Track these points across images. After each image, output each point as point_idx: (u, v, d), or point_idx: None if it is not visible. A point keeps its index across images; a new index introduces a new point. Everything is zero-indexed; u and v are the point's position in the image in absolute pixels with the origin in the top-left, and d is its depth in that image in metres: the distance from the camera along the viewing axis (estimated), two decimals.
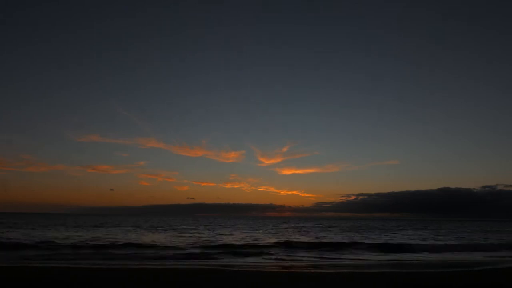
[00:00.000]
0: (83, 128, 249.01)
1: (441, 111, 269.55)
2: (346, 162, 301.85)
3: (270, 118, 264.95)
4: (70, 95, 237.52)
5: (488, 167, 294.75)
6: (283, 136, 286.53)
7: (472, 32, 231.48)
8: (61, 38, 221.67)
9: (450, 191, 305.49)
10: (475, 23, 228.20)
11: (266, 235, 38.40)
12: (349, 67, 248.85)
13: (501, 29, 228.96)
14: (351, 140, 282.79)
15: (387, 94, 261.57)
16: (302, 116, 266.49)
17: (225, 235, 37.20)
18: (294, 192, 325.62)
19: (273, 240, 30.28)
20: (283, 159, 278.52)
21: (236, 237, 33.79)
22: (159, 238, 31.97)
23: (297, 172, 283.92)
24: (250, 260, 18.46)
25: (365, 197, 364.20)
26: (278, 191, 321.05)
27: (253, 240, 30.93)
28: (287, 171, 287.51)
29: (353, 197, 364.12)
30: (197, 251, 22.35)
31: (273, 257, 19.94)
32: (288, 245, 25.96)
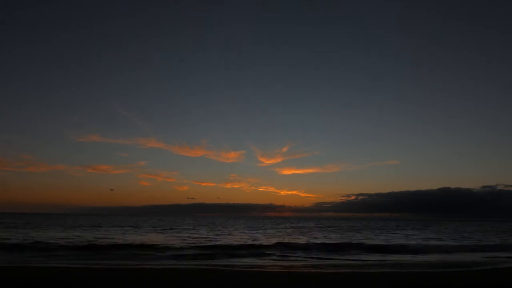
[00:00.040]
0: (83, 128, 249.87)
1: (441, 111, 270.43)
2: (346, 162, 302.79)
3: (270, 118, 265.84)
4: (70, 95, 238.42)
5: (488, 167, 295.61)
6: (283, 136, 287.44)
7: (472, 32, 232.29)
8: (61, 38, 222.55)
9: (450, 191, 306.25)
10: (475, 23, 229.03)
11: (266, 235, 38.39)
12: (349, 67, 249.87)
13: (501, 29, 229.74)
14: (351, 140, 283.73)
15: (387, 94, 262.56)
16: (302, 116, 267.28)
17: (225, 235, 37.21)
18: (294, 192, 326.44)
19: (273, 240, 30.27)
20: (283, 159, 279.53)
21: (236, 237, 33.79)
22: (159, 238, 31.97)
23: (297, 172, 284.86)
24: (250, 260, 18.45)
25: (365, 197, 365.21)
26: (278, 191, 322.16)
27: (253, 240, 30.92)
28: (287, 171, 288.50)
29: (353, 197, 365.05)
30: (197, 251, 22.33)
31: (273, 257, 19.93)
32: (288, 245, 25.91)
